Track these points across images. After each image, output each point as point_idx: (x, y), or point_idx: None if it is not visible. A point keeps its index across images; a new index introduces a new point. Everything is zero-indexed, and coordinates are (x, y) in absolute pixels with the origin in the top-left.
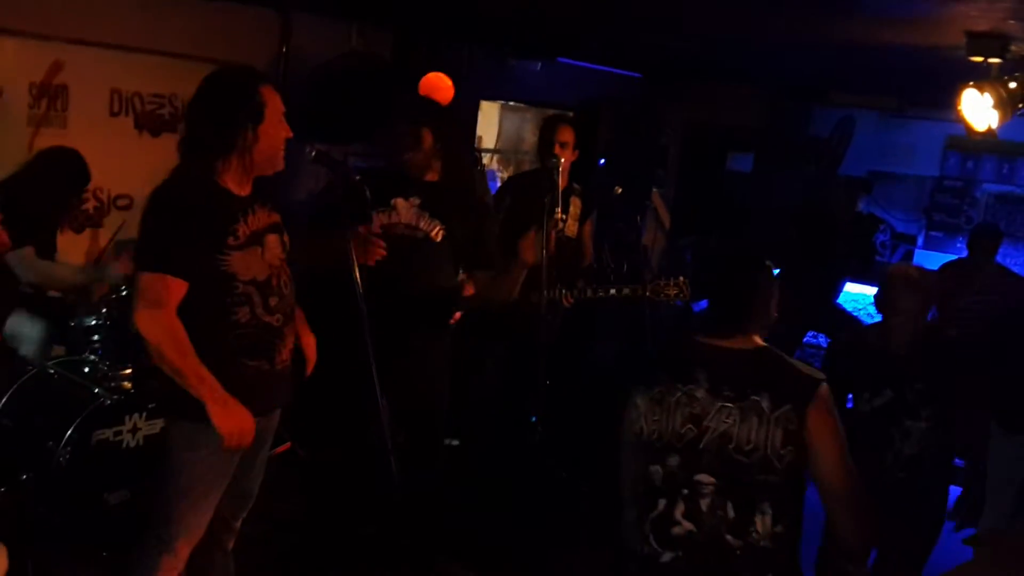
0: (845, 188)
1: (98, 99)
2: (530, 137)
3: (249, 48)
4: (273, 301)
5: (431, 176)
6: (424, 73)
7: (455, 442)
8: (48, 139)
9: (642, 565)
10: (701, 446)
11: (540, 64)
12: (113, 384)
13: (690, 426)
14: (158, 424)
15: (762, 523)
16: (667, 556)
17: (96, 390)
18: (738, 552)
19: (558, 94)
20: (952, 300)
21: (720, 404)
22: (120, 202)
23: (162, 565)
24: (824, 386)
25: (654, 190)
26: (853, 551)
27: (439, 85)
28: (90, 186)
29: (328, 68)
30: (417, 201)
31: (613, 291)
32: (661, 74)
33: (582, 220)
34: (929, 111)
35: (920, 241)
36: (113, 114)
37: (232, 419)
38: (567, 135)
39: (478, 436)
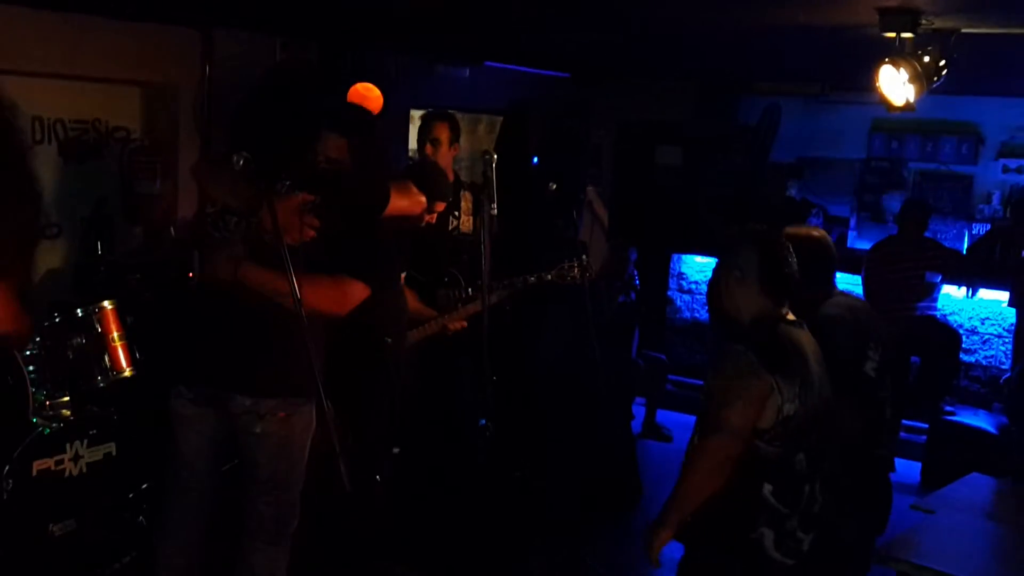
0: (775, 175)
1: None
2: (463, 143)
3: (172, 68)
4: None
5: None
6: (351, 84)
7: (395, 450)
8: None
9: (777, 571)
10: (823, 415)
11: (468, 70)
12: (52, 413)
13: (819, 398)
14: (100, 451)
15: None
16: (807, 541)
17: (34, 420)
18: (832, 507)
19: (487, 99)
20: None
21: (820, 370)
22: (48, 231)
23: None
24: None
25: (590, 187)
26: None
27: (367, 95)
28: None
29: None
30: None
31: (520, 283)
32: (588, 73)
33: (475, 214)
34: (852, 95)
35: (852, 222)
36: (36, 142)
37: None
38: (440, 131)
39: (425, 442)
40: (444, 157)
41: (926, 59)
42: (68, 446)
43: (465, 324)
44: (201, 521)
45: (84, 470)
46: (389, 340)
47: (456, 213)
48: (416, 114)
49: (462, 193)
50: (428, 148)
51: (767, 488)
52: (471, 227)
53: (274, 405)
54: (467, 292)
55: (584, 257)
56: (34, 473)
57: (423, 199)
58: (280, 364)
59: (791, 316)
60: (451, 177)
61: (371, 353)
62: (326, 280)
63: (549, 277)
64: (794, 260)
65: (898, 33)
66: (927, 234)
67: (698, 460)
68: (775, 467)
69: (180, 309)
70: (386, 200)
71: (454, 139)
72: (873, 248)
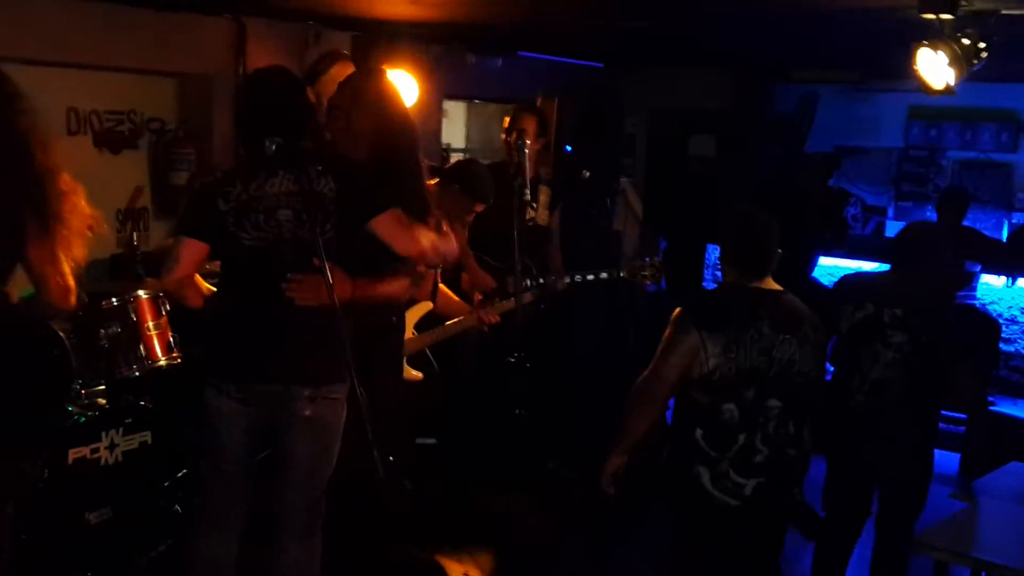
0: (813, 164)
1: (55, 119)
2: (498, 135)
3: (205, 58)
4: None
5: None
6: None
7: (430, 440)
8: None
9: (719, 508)
10: (771, 375)
11: (501, 60)
12: (87, 401)
13: (763, 358)
14: (136, 439)
15: (807, 433)
16: (750, 486)
17: (69, 408)
18: (793, 462)
19: (521, 88)
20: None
21: (782, 336)
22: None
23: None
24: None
25: (623, 178)
26: None
27: (400, 85)
28: None
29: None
30: None
31: (591, 276)
32: (622, 62)
33: (551, 209)
34: (890, 83)
35: (890, 212)
36: (71, 133)
37: None
38: (528, 123)
39: (460, 431)
40: (530, 148)
41: (965, 41)
42: (104, 435)
43: (498, 319)
44: (243, 512)
45: (120, 459)
46: (395, 319)
47: (534, 205)
48: (449, 105)
49: (540, 187)
50: (517, 137)
51: (698, 432)
52: (546, 220)
53: (327, 390)
54: (538, 280)
55: (655, 258)
56: (70, 461)
57: (444, 250)
58: (331, 351)
59: (771, 286)
60: (533, 171)
61: (377, 333)
62: (401, 276)
63: (622, 274)
64: (774, 236)
65: (937, 14)
66: (966, 223)
67: (632, 398)
68: (704, 414)
69: (220, 301)
70: (380, 209)
71: (540, 132)
72: None
